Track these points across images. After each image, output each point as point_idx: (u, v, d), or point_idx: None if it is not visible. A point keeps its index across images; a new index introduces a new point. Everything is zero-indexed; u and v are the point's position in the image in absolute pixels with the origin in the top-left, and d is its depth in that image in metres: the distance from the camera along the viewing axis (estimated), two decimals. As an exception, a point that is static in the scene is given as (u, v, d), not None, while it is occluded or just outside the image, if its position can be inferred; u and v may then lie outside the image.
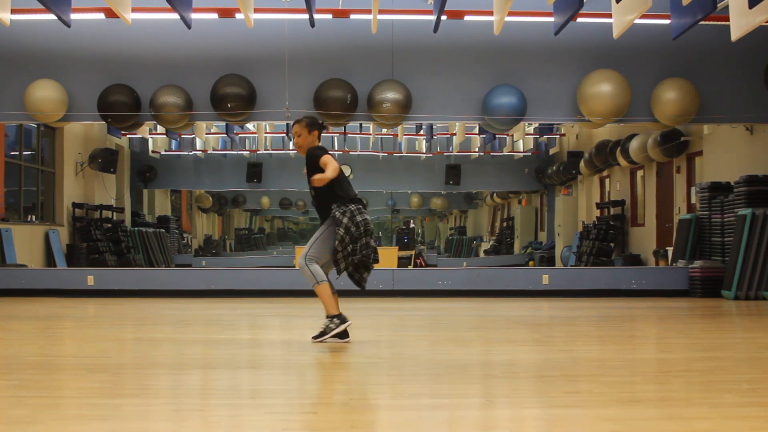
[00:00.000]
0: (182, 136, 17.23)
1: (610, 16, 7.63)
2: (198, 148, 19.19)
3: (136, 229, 17.55)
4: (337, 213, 5.51)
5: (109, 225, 16.43)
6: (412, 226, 37.22)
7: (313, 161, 5.54)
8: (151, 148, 19.06)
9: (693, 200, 12.92)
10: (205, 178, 21.85)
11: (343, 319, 5.52)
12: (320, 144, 5.79)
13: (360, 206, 5.59)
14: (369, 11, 9.03)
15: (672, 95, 10.17)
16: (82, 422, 3.45)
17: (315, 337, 5.55)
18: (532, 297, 10.38)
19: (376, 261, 5.67)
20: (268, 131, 17.75)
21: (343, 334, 5.54)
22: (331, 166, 5.39)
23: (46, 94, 10.24)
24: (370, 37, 9.89)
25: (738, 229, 9.92)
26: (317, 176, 5.35)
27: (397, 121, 10.51)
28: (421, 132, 16.93)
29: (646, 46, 10.40)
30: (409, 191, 27.78)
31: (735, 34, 6.74)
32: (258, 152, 20.29)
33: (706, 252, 11.18)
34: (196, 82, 10.43)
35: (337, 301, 5.64)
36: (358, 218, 5.51)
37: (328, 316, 5.54)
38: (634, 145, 14.43)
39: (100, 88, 10.35)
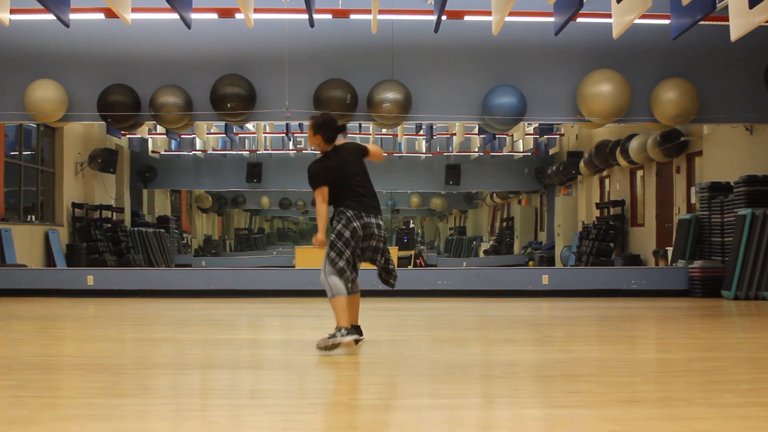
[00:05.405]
0: (182, 136, 17.23)
1: (610, 16, 7.63)
2: (198, 148, 19.19)
3: (135, 229, 17.55)
4: (333, 221, 5.61)
5: (109, 225, 16.43)
6: (411, 226, 37.23)
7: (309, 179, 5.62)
8: (150, 148, 19.07)
9: (693, 200, 12.92)
10: (205, 178, 21.85)
11: (351, 332, 5.38)
12: (327, 151, 5.62)
13: (359, 212, 5.53)
14: (369, 11, 9.03)
15: (672, 95, 10.16)
16: (82, 422, 3.45)
17: (320, 344, 5.37)
18: (532, 297, 10.38)
19: (386, 262, 5.66)
20: (267, 131, 17.75)
21: (351, 332, 5.43)
22: (317, 204, 5.51)
23: (46, 94, 10.23)
24: (370, 37, 9.89)
25: (738, 229, 9.92)
26: (315, 242, 5.52)
27: (397, 121, 10.51)
28: (421, 132, 16.93)
29: (646, 46, 10.39)
30: (409, 191, 27.79)
31: (735, 34, 6.74)
32: (258, 152, 20.30)
33: (705, 252, 11.18)
34: (196, 82, 10.42)
35: (357, 306, 5.68)
36: (354, 223, 5.50)
37: (337, 327, 5.39)
38: (633, 145, 14.43)
39: (100, 88, 10.34)
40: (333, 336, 5.32)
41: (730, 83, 10.47)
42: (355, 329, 5.61)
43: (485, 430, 3.44)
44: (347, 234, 5.47)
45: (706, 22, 8.21)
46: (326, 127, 5.62)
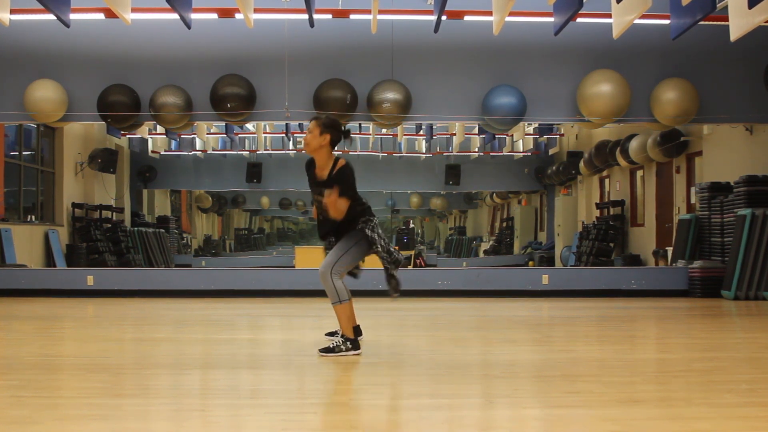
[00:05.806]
0: (182, 136, 17.24)
1: (610, 16, 7.62)
2: (198, 148, 19.20)
3: (135, 229, 17.55)
4: (367, 230, 5.36)
5: (109, 225, 16.44)
6: (411, 226, 37.27)
7: (333, 181, 5.24)
8: (150, 148, 19.07)
9: (693, 200, 12.92)
10: (205, 178, 21.86)
11: (356, 346, 5.31)
12: (334, 155, 5.41)
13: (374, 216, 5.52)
14: (369, 11, 9.02)
15: (672, 95, 10.16)
16: (82, 422, 3.45)
17: (323, 351, 5.29)
18: (532, 297, 10.38)
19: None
20: (267, 131, 17.75)
21: (356, 346, 5.35)
22: (342, 204, 5.19)
23: (45, 94, 10.23)
24: (370, 37, 9.89)
25: (738, 229, 9.93)
26: (330, 199, 5.12)
27: (397, 121, 10.50)
28: (421, 132, 16.93)
29: (646, 46, 10.39)
30: (409, 191, 27.82)
31: (734, 34, 6.74)
32: (258, 152, 20.31)
33: (705, 252, 11.18)
34: (196, 82, 10.42)
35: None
36: (379, 230, 5.46)
37: (342, 336, 5.33)
38: (633, 145, 14.44)
39: (100, 88, 10.34)
40: (338, 347, 5.26)
41: (730, 83, 10.47)
42: (355, 329, 5.61)
43: (485, 430, 3.44)
44: (378, 247, 5.38)
45: (706, 22, 8.21)
46: (336, 128, 5.35)
